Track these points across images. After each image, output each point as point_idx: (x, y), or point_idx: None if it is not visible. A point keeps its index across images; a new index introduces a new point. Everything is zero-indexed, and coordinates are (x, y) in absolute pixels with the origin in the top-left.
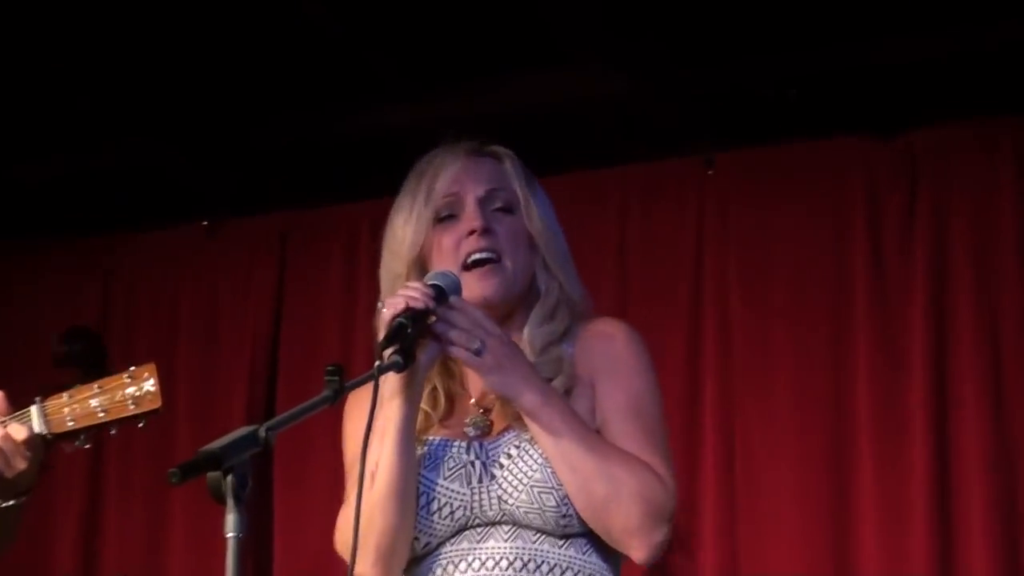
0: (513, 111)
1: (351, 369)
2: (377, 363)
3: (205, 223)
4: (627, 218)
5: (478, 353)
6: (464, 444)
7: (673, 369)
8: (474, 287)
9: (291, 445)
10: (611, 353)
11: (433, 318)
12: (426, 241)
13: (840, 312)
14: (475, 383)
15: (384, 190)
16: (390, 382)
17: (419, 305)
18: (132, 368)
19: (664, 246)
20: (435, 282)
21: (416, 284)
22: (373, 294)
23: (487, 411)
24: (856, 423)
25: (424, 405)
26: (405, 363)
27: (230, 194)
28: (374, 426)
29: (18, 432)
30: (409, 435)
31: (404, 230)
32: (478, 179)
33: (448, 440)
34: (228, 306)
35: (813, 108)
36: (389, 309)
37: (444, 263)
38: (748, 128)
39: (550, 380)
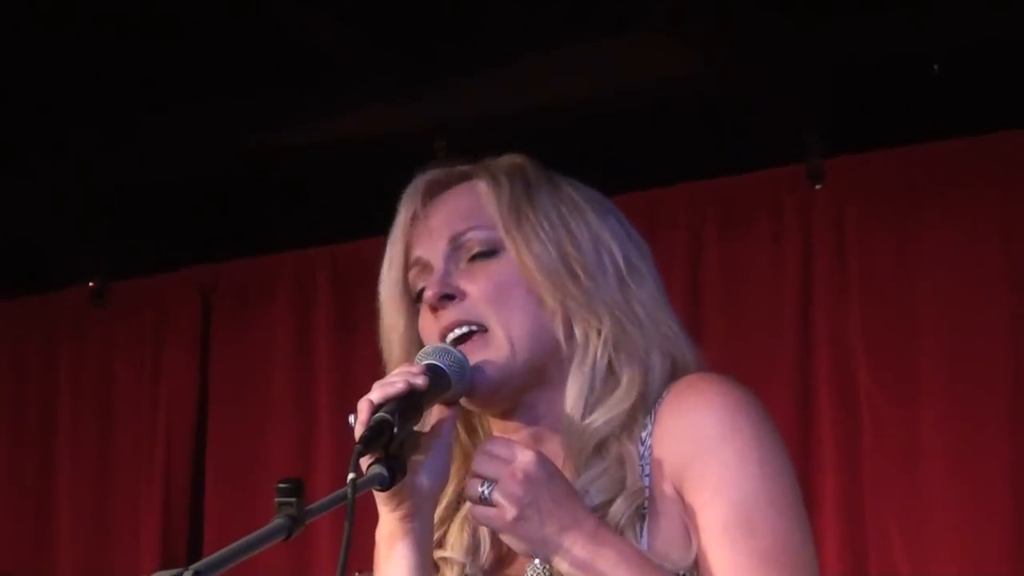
0: (525, 112)
1: (313, 484)
2: (351, 477)
3: (91, 284)
4: (701, 254)
5: (484, 500)
6: None
7: None
8: None
9: None
10: (699, 436)
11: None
12: (409, 332)
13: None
14: None
15: (350, 224)
16: (383, 515)
17: (405, 389)
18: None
19: (754, 292)
20: (431, 362)
21: (402, 368)
22: (340, 371)
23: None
24: None
25: (454, 552)
26: (391, 477)
27: (122, 245)
28: None
29: None
30: None
31: (386, 326)
32: (438, 228)
33: None
34: (126, 393)
35: (968, 89)
36: (363, 407)
37: None
38: (872, 122)
39: (608, 503)
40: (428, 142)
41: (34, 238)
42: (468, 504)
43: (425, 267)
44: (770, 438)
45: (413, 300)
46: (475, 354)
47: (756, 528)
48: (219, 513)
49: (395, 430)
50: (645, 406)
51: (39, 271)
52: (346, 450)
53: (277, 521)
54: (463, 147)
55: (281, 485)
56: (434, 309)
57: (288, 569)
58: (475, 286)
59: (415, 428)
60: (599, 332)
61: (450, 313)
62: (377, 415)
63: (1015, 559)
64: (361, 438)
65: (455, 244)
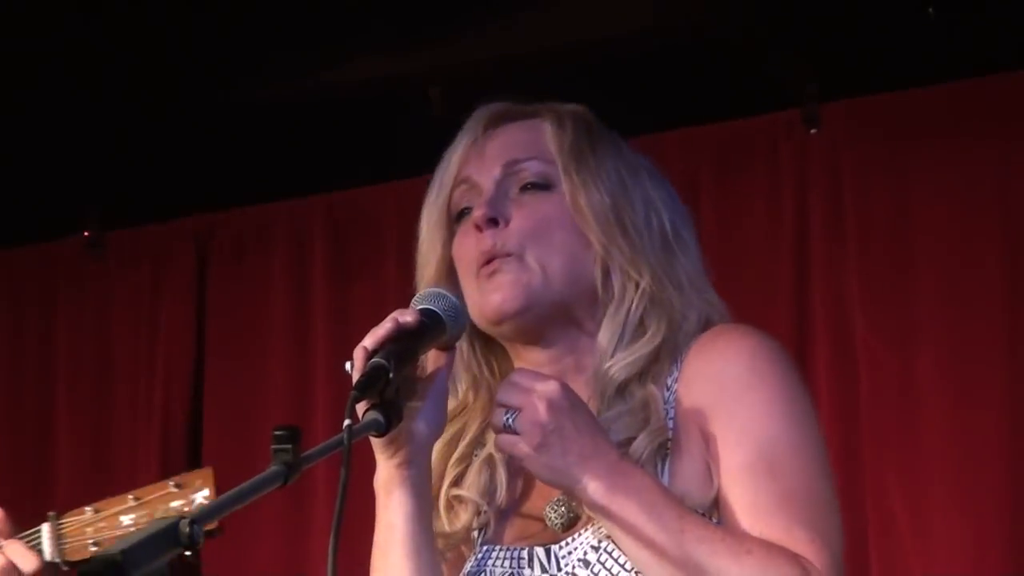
0: (519, 59)
1: (311, 430)
2: (347, 423)
3: (86, 234)
4: (696, 200)
5: (508, 428)
6: (521, 553)
7: None
8: (486, 299)
9: None
10: (726, 380)
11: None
12: (446, 251)
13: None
14: None
15: (346, 173)
16: (380, 463)
17: (393, 328)
18: (181, 474)
19: (749, 238)
20: (425, 306)
21: (396, 313)
22: (337, 320)
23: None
24: None
25: (470, 492)
26: (387, 423)
27: (117, 195)
28: (375, 539)
29: (24, 560)
30: (424, 550)
31: (423, 242)
32: (496, 153)
33: (493, 548)
34: (124, 343)
35: (963, 32)
36: (358, 354)
37: (464, 279)
38: (867, 67)
39: (630, 440)
40: (423, 90)
41: (29, 186)
42: (490, 445)
43: (473, 187)
44: (796, 386)
45: (453, 219)
46: (498, 278)
47: (778, 471)
48: (217, 462)
49: (390, 375)
50: (672, 353)
51: (35, 220)
52: (343, 398)
53: (273, 468)
54: (458, 95)
55: (277, 432)
56: (479, 228)
57: (285, 517)
58: (521, 217)
59: (413, 374)
60: (637, 285)
61: (489, 239)
62: (372, 361)
63: (1011, 501)
64: (356, 384)
65: (509, 170)
